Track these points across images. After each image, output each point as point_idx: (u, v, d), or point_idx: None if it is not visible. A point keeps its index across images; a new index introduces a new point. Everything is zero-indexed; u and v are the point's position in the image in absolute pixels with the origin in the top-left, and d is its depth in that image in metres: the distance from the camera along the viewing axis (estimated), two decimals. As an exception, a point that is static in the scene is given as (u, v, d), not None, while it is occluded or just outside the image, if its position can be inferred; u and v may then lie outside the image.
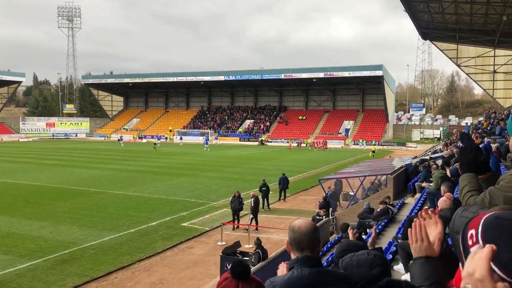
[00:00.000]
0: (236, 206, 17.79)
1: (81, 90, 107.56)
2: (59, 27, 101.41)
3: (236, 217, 17.92)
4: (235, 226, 17.78)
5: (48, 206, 21.02)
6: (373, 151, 52.70)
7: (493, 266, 1.07)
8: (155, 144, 60.97)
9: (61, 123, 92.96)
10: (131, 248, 14.72)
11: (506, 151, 10.49)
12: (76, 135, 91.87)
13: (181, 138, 75.33)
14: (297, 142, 68.31)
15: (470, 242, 1.18)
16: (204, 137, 73.70)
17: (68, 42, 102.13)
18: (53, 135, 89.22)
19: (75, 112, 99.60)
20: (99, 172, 33.44)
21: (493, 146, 10.99)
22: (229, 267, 5.24)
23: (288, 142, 68.65)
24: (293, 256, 2.32)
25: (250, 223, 17.19)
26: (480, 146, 8.68)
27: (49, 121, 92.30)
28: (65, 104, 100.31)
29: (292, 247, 2.32)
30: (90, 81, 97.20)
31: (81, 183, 28.14)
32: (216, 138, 77.47)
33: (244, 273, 4.86)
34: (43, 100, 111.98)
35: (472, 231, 1.18)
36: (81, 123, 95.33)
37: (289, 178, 24.75)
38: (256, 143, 74.82)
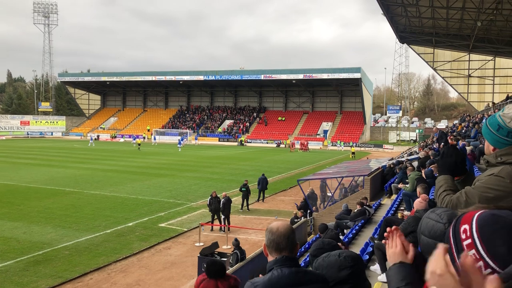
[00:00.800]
0: (216, 206, 17.71)
1: (57, 88, 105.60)
2: (34, 23, 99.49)
3: (216, 217, 17.84)
4: (219, 227, 17.70)
5: (22, 206, 20.52)
6: (353, 153, 53.30)
7: (488, 259, 1.15)
8: (139, 144, 59.74)
9: (36, 122, 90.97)
10: (107, 249, 14.49)
11: (480, 153, 10.74)
12: (52, 134, 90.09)
13: (154, 138, 74.66)
14: (277, 143, 68.25)
15: (463, 236, 1.24)
16: (181, 137, 73.18)
17: (44, 39, 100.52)
18: (28, 134, 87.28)
19: (51, 110, 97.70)
20: (75, 172, 32.85)
21: (468, 148, 11.25)
22: (203, 269, 5.23)
23: (286, 144, 68.22)
24: (270, 258, 2.31)
25: (224, 223, 17.16)
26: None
27: (24, 119, 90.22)
28: (41, 102, 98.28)
29: (270, 249, 2.30)
30: (67, 79, 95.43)
31: (56, 182, 27.58)
32: (196, 138, 76.97)
33: (219, 270, 4.85)
34: (17, 98, 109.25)
35: (466, 226, 1.25)
36: (57, 122, 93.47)
37: (268, 179, 24.80)
38: (236, 143, 74.73)
